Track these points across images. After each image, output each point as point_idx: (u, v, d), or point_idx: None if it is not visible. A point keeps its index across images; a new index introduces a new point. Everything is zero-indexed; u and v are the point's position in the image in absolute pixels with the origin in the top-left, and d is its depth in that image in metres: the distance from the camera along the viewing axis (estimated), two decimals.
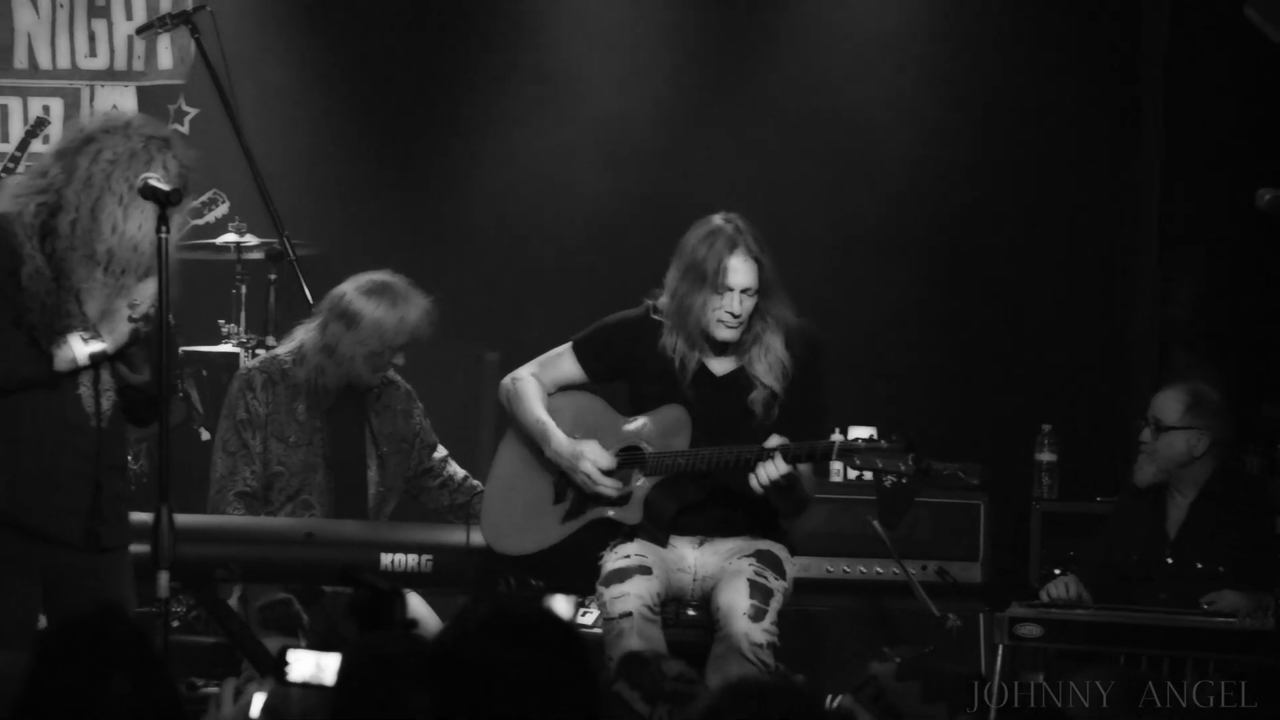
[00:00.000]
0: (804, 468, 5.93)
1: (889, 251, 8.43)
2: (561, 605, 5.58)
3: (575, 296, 7.88)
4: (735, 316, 6.00)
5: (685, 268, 6.03)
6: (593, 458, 6.11)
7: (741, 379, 6.11)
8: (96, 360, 5.27)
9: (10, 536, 5.33)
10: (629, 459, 6.15)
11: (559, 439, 6.16)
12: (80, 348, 5.23)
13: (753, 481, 5.84)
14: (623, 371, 6.24)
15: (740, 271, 5.99)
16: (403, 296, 6.72)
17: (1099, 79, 8.46)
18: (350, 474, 6.80)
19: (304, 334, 6.81)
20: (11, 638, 5.02)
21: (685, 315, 6.02)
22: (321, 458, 6.76)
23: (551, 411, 6.25)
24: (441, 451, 6.99)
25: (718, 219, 6.08)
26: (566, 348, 6.28)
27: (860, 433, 7.27)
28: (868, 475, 6.00)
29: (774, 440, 5.85)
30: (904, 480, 5.81)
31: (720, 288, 5.98)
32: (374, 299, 6.70)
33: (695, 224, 6.10)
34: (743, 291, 6.00)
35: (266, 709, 3.49)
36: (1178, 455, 6.64)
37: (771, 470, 5.80)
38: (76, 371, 5.29)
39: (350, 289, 6.76)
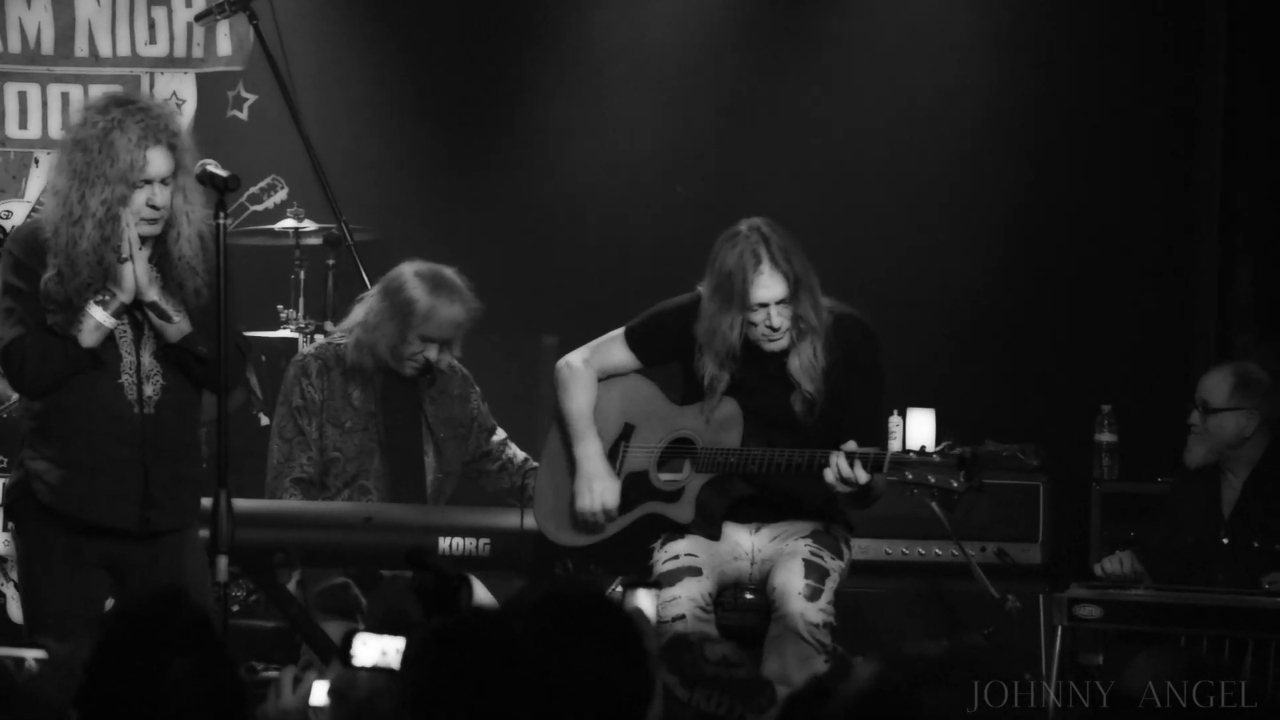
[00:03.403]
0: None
1: (948, 232, 8.39)
2: (645, 601, 5.53)
3: (633, 281, 7.87)
4: (775, 330, 5.94)
5: (715, 284, 5.96)
6: (599, 491, 6.09)
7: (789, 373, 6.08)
8: (119, 314, 5.34)
9: (67, 530, 5.41)
10: (680, 451, 6.14)
11: (588, 449, 6.13)
12: (98, 312, 5.32)
13: (828, 475, 5.78)
14: (675, 357, 6.21)
15: (766, 287, 5.91)
16: (447, 290, 6.68)
17: (1161, 59, 8.40)
18: (407, 459, 6.80)
19: (358, 309, 6.84)
20: (80, 629, 5.08)
21: (713, 335, 5.97)
22: (377, 443, 6.77)
23: (601, 397, 6.24)
24: (500, 434, 7.00)
25: (742, 227, 5.98)
26: (619, 335, 6.26)
27: (920, 419, 7.30)
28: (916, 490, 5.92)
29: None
30: (955, 498, 5.79)
31: (751, 306, 5.91)
32: (421, 281, 6.70)
33: (721, 235, 6.02)
34: (777, 304, 5.93)
35: (333, 691, 3.50)
36: (1228, 436, 6.61)
37: (844, 466, 5.75)
38: (119, 359, 5.38)
39: (408, 268, 6.77)
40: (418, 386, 6.83)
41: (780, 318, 5.93)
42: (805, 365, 5.99)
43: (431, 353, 6.71)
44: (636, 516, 6.13)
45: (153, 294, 5.33)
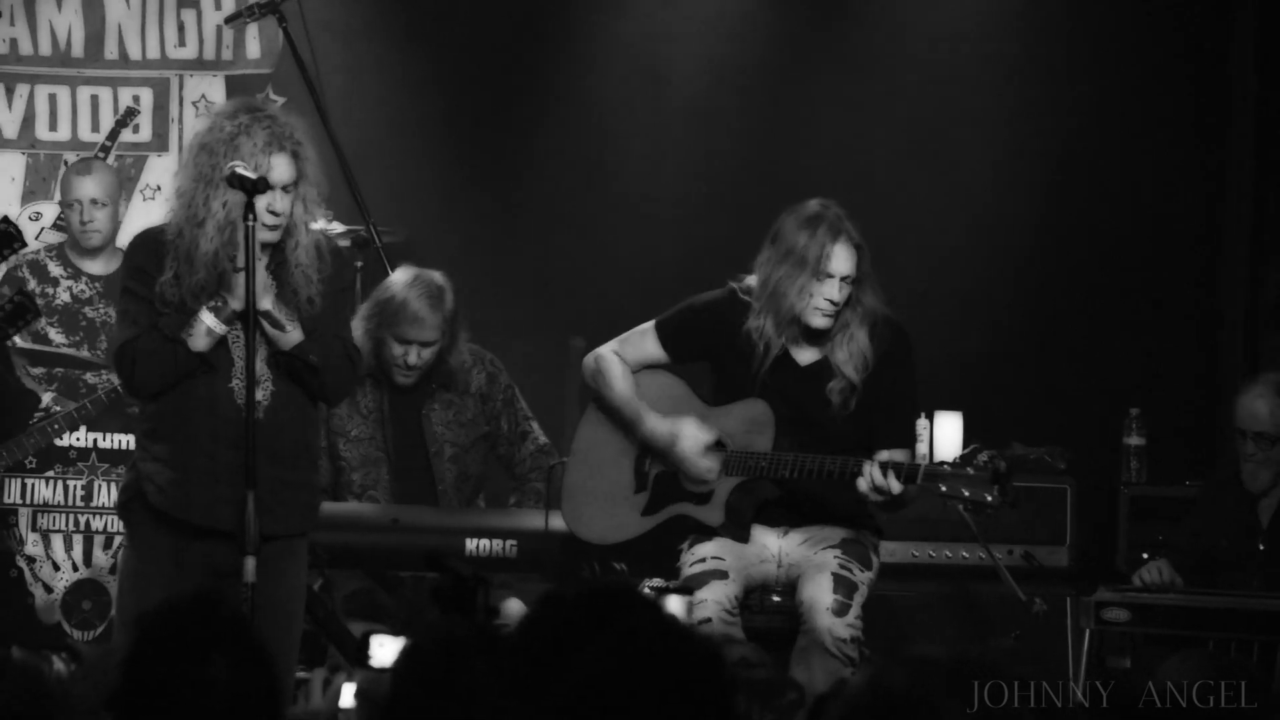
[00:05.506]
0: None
1: (976, 233, 8.38)
2: (676, 606, 5.55)
3: (660, 282, 7.87)
4: (834, 304, 5.94)
5: (784, 252, 5.95)
6: (691, 436, 6.09)
7: (823, 370, 6.06)
8: (230, 321, 5.36)
9: (176, 531, 5.42)
10: (711, 453, 6.14)
11: (652, 420, 6.13)
12: (209, 318, 5.34)
13: (860, 485, 5.79)
14: (705, 354, 6.21)
15: (842, 259, 5.92)
16: (420, 287, 6.65)
17: (1192, 58, 8.38)
18: (414, 469, 6.75)
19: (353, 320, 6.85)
20: None
21: (780, 300, 5.95)
22: (384, 453, 6.75)
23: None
24: (532, 441, 6.91)
25: (815, 205, 6.01)
26: (649, 327, 6.24)
27: (947, 423, 7.29)
28: (950, 502, 5.92)
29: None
30: (988, 511, 5.80)
31: (821, 274, 5.91)
32: (399, 280, 6.70)
33: (791, 209, 6.03)
34: (843, 279, 5.93)
35: (359, 692, 3.53)
36: None
37: (878, 475, 5.76)
38: (230, 363, 5.39)
39: (398, 272, 6.78)
40: (423, 394, 6.79)
41: (841, 294, 5.94)
42: (854, 352, 5.98)
43: (412, 356, 6.68)
44: (665, 517, 6.13)
45: (266, 303, 5.33)
